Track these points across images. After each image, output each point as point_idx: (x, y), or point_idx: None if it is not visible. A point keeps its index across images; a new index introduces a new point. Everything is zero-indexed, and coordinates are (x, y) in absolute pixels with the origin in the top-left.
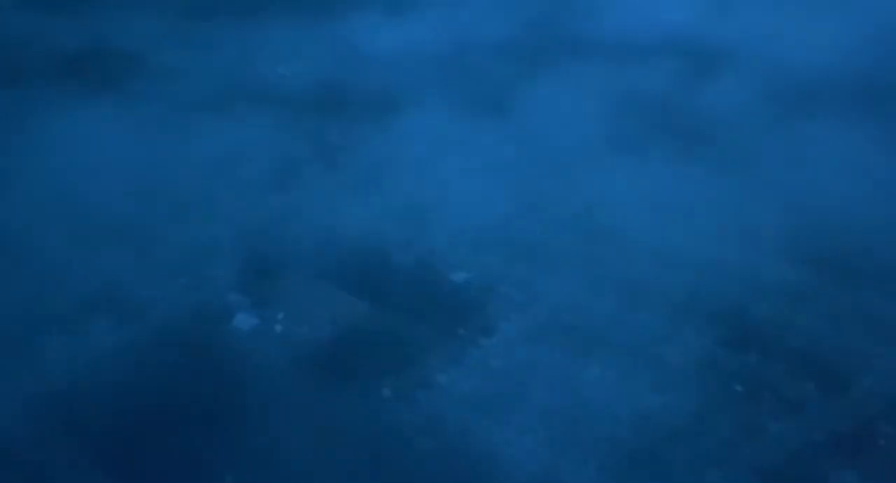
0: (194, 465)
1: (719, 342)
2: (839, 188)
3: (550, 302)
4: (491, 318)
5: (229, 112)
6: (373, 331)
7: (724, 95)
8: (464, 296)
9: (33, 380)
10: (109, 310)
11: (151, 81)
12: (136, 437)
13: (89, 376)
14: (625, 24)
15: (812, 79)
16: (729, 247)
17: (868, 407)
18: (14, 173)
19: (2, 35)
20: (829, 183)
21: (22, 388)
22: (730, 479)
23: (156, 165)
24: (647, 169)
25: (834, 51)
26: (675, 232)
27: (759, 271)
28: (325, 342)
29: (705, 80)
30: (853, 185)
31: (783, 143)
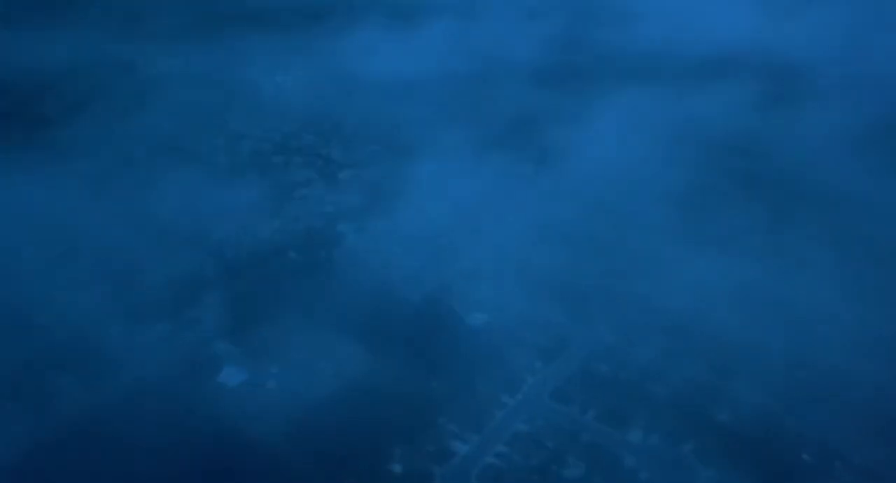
0: None
1: (775, 396)
2: None
3: (581, 349)
4: (515, 369)
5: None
6: (379, 387)
7: (811, 130)
8: (483, 342)
9: None
10: (76, 366)
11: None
12: None
13: (45, 455)
14: (669, 36)
15: None
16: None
17: None
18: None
19: None
20: None
21: None
22: None
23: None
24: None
25: None
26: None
27: None
28: (325, 402)
29: (784, 108)
30: None
31: None
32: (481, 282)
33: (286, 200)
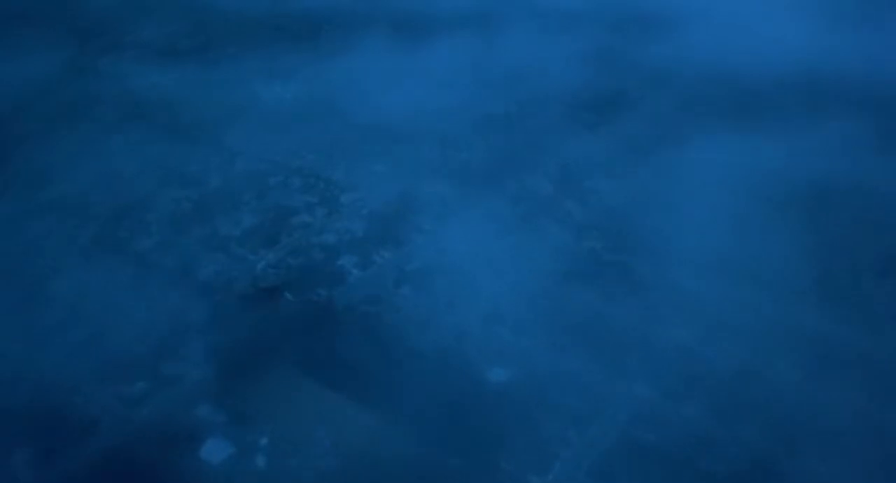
0: None
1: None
2: None
3: (622, 412)
4: (544, 440)
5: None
6: (385, 464)
7: None
8: (506, 404)
9: None
10: (31, 434)
11: None
12: None
13: None
14: (728, 51)
15: None
16: None
17: None
18: None
19: None
20: None
21: None
22: None
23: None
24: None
25: None
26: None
27: None
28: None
29: None
30: None
31: None
32: (502, 327)
33: (283, 228)
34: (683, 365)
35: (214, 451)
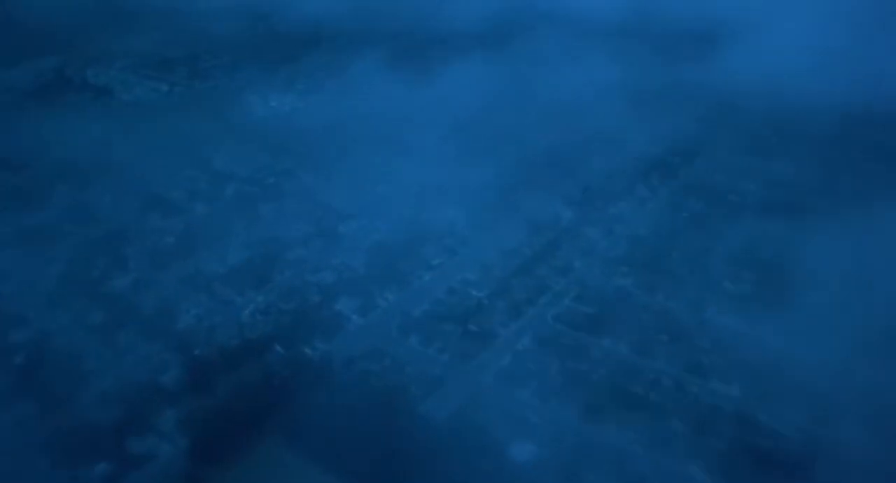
0: None
1: None
2: None
3: None
4: None
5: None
6: None
7: None
8: None
9: None
10: None
11: None
12: None
13: None
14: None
15: None
16: None
17: None
18: None
19: None
20: None
21: None
22: None
23: None
24: None
25: None
26: None
27: None
28: None
29: None
30: None
31: None
32: (523, 389)
33: (274, 264)
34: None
35: None
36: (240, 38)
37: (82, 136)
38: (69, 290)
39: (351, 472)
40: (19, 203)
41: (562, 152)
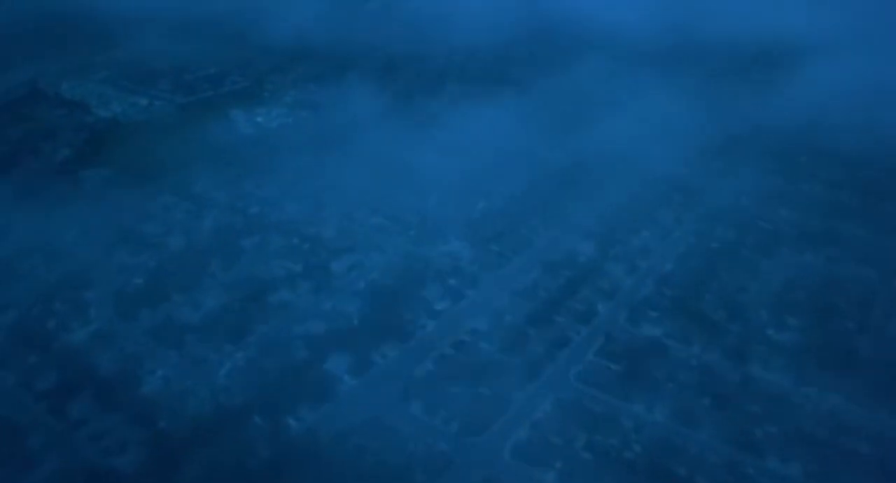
0: None
1: None
2: None
3: None
4: None
5: None
6: None
7: None
8: None
9: None
10: None
11: None
12: None
13: None
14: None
15: None
16: None
17: None
18: None
19: None
20: None
21: None
22: None
23: None
24: None
25: None
26: None
27: None
28: None
29: None
30: None
31: None
32: (548, 471)
33: (256, 311)
34: None
35: None
36: (228, 48)
37: (49, 159)
38: (19, 344)
39: None
40: None
41: (575, 175)
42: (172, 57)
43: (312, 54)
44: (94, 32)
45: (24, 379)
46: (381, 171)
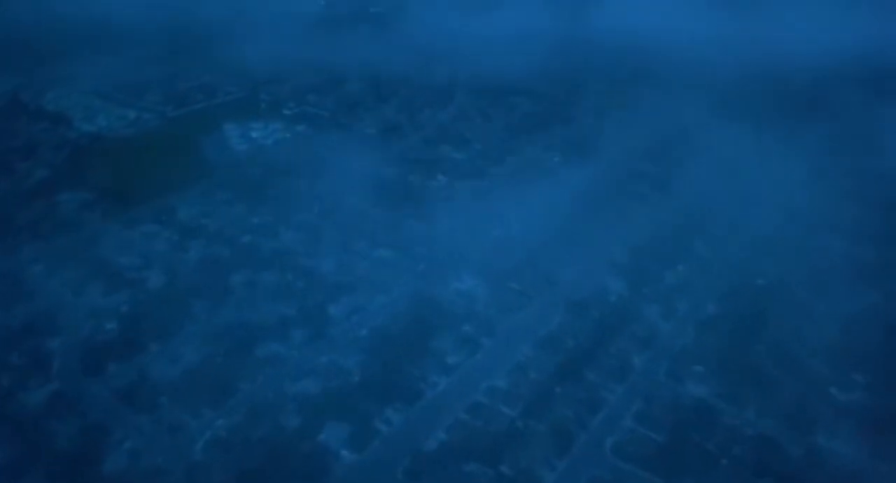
0: None
1: None
2: None
3: None
4: None
5: None
6: None
7: None
8: None
9: None
10: None
11: None
12: None
13: None
14: None
15: None
16: None
17: None
18: None
19: None
20: None
21: None
22: None
23: None
24: None
25: None
26: None
27: None
28: None
29: None
30: None
31: None
32: None
33: (242, 365)
34: None
35: None
36: (224, 54)
37: (22, 181)
38: None
39: None
40: None
41: (600, 198)
42: (166, 65)
43: (311, 64)
44: (82, 39)
45: None
46: (384, 194)
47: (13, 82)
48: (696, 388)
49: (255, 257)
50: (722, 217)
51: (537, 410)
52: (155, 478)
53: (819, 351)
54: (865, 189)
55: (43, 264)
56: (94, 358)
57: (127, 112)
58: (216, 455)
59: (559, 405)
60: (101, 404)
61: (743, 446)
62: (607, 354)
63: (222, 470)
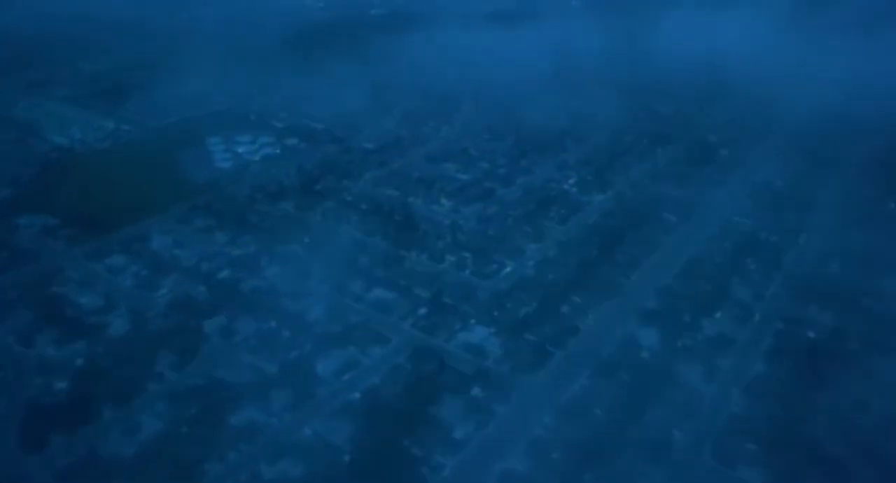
0: None
1: None
2: None
3: None
4: None
5: None
6: None
7: None
8: None
9: None
10: None
11: None
12: None
13: None
14: None
15: None
16: None
17: None
18: None
19: None
20: None
21: None
22: None
23: None
24: None
25: None
26: None
27: None
28: None
29: None
30: None
31: None
32: None
33: (210, 444)
34: None
35: None
36: (213, 56)
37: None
38: None
39: None
40: None
41: (617, 231)
42: (149, 69)
43: (307, 71)
44: (68, 42)
45: None
46: (382, 221)
47: None
48: (749, 473)
49: (233, 298)
50: None
51: None
52: None
53: (890, 427)
54: None
55: (15, 294)
56: (38, 429)
57: (104, 122)
58: None
59: None
60: None
61: None
62: (643, 427)
63: None
